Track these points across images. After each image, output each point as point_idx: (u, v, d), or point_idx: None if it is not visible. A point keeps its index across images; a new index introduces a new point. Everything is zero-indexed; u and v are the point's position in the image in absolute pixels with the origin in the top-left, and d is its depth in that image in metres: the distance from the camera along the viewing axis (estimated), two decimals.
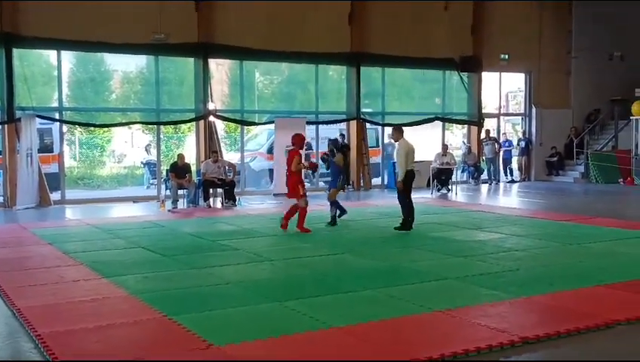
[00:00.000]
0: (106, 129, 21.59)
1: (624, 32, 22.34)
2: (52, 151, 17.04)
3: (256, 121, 19.45)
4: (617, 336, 5.43)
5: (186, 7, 16.55)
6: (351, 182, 19.11)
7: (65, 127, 17.47)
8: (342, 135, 19.19)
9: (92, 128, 20.88)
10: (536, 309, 6.24)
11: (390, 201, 13.74)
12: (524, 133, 22.74)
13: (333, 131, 20.04)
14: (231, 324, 5.74)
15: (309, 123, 18.46)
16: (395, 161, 11.52)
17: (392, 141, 12.00)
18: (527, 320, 5.90)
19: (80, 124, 18.66)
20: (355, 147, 19.15)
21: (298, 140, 11.14)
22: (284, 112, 18.82)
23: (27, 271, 7.98)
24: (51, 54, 16.16)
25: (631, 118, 21.25)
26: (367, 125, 19.70)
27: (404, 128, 11.54)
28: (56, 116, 16.18)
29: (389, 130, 20.16)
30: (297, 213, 10.94)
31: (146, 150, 21.39)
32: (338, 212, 11.74)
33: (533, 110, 22.36)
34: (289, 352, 4.99)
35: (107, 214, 14.19)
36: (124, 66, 17.80)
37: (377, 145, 20.83)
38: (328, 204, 11.78)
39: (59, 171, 16.52)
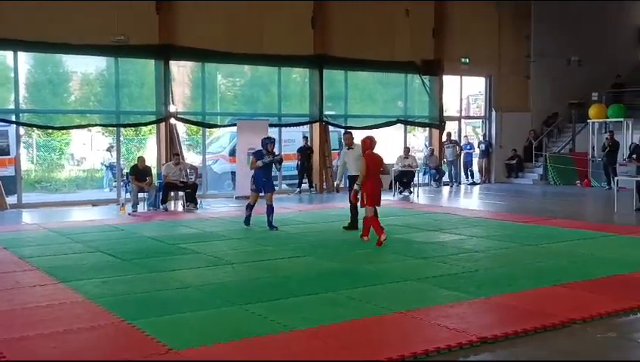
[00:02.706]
0: (64, 131, 21.21)
1: (581, 37, 22.85)
2: (8, 154, 16.71)
3: (219, 124, 19.34)
4: (573, 335, 5.53)
5: (147, 9, 16.39)
6: (314, 185, 19.15)
7: (22, 130, 17.13)
8: (305, 137, 19.23)
9: (50, 131, 20.51)
10: (495, 309, 6.32)
11: None
12: (484, 135, 23.05)
13: (296, 134, 20.07)
14: (191, 328, 5.68)
15: (271, 125, 18.42)
16: (351, 165, 11.24)
17: (346, 146, 11.57)
18: (486, 320, 5.97)
19: (38, 127, 18.29)
20: (318, 150, 19.18)
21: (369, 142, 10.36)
22: (246, 115, 18.74)
23: None
24: (7, 55, 15.80)
25: (588, 121, 21.72)
26: (330, 128, 19.74)
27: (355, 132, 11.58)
28: (13, 118, 15.86)
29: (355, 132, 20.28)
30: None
31: (109, 152, 21.10)
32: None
33: (494, 113, 22.69)
34: (249, 355, 4.96)
35: (65, 218, 13.96)
36: (84, 68, 17.49)
37: (340, 148, 20.85)
38: (269, 207, 11.55)
39: (15, 174, 16.18)
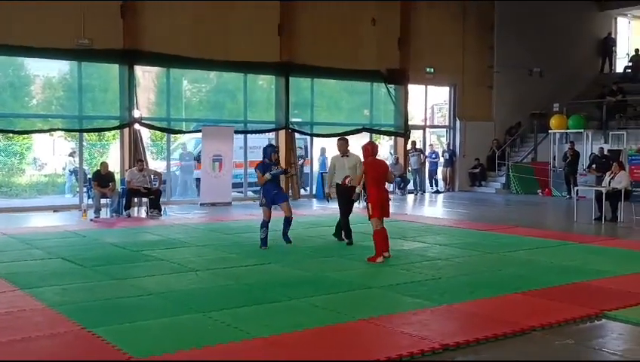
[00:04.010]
0: (25, 136, 20.79)
1: (543, 49, 23.29)
2: None
3: (184, 130, 19.21)
4: (533, 342, 5.61)
5: (111, 13, 16.23)
6: None
7: None
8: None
9: (11, 135, 20.10)
10: (457, 317, 6.39)
11: (318, 211, 13.83)
12: (448, 144, 23.30)
13: (261, 141, 20.01)
14: (152, 336, 5.62)
15: (237, 132, 18.38)
16: (344, 174, 10.67)
17: (340, 153, 10.79)
18: (448, 327, 6.03)
19: None
20: (284, 157, 19.15)
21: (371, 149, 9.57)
22: (211, 121, 18.65)
23: None
24: None
25: (549, 131, 22.13)
26: (296, 135, 19.76)
27: (329, 140, 11.28)
28: None
29: (317, 140, 20.36)
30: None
31: (72, 156, 20.77)
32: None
33: (457, 122, 22.96)
34: None
35: (26, 224, 13.69)
36: (46, 71, 17.21)
37: (306, 155, 20.91)
38: (287, 218, 10.52)
39: None
